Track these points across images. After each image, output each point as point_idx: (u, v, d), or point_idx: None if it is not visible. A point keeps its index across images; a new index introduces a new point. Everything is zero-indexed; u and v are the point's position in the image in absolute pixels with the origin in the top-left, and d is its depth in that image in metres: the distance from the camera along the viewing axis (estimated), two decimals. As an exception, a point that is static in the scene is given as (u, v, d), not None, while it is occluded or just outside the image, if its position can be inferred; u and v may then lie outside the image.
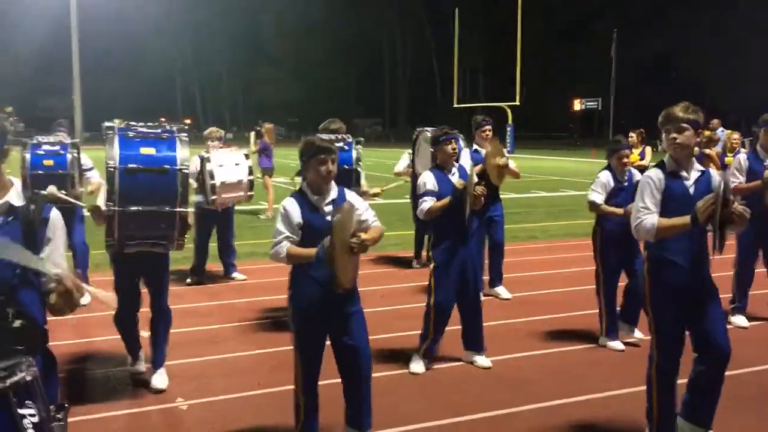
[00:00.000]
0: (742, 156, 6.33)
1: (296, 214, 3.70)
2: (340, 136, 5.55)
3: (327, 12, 64.83)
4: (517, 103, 36.64)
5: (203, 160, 7.37)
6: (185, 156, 4.51)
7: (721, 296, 3.84)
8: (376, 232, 3.83)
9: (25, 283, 2.61)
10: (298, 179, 3.93)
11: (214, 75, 71.54)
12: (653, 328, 3.83)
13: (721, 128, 16.23)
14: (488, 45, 59.61)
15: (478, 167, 6.95)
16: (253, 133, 15.28)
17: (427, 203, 5.15)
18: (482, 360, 5.33)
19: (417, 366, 5.21)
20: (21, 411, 2.25)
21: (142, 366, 5.15)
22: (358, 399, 3.88)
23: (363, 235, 3.59)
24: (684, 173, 3.73)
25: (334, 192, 3.81)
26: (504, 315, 6.69)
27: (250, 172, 7.45)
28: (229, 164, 7.34)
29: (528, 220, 13.16)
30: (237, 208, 8.87)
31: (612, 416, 4.36)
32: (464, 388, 4.91)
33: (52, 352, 2.76)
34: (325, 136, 5.17)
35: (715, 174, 3.80)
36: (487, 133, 7.44)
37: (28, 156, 6.06)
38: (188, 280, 8.08)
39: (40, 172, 5.99)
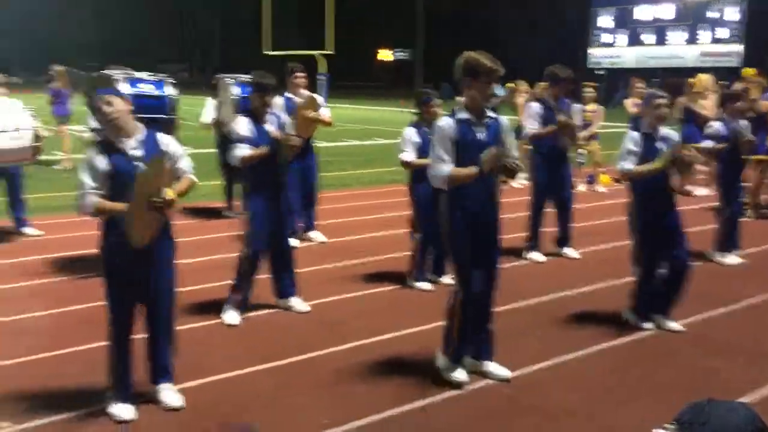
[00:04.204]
0: (536, 104, 6.88)
1: (101, 161, 3.47)
2: (147, 75, 5.28)
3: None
4: (331, 51, 36.59)
5: None
6: None
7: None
8: (184, 185, 3.71)
9: None
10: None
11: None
12: (454, 266, 4.09)
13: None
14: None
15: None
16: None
17: (243, 150, 5.00)
18: (300, 304, 5.39)
19: (230, 317, 5.12)
20: None
21: None
22: (155, 352, 3.78)
23: (169, 193, 3.44)
24: (475, 119, 3.91)
25: (140, 134, 3.60)
26: (320, 260, 6.82)
27: (37, 139, 6.84)
28: (7, 127, 6.63)
29: (341, 169, 13.37)
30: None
31: (418, 350, 4.62)
32: (280, 334, 4.96)
33: None
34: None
35: (504, 121, 4.06)
36: (300, 79, 7.40)
37: None
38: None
39: None
